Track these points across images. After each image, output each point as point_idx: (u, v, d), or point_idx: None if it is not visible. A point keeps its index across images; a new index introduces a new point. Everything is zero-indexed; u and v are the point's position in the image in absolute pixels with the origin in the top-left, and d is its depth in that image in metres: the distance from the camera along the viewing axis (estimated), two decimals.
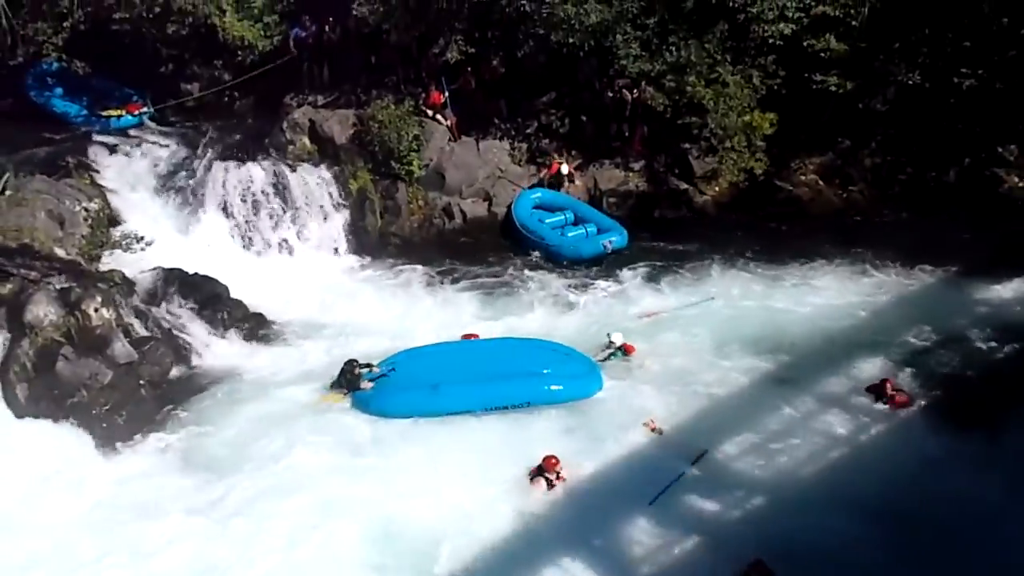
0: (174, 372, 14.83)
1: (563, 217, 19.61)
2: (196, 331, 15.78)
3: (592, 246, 18.59)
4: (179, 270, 16.62)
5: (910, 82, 18.64)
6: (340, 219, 19.32)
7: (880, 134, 19.99)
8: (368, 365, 14.28)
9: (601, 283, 17.54)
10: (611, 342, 14.76)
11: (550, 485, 11.76)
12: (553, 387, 13.75)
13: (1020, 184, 19.15)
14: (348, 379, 14.05)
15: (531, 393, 13.66)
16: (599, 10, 18.42)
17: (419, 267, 18.48)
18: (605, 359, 14.62)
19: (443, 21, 19.44)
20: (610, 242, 18.55)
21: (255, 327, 16.25)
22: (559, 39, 18.64)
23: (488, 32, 19.85)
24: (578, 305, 16.79)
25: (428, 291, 17.66)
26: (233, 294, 16.67)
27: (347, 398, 13.99)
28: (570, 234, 19.06)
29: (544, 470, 11.82)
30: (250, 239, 18.71)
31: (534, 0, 18.66)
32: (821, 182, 20.20)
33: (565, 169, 20.11)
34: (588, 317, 16.37)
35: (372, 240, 19.43)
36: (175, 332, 15.58)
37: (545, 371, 14.03)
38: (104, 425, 13.23)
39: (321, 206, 19.24)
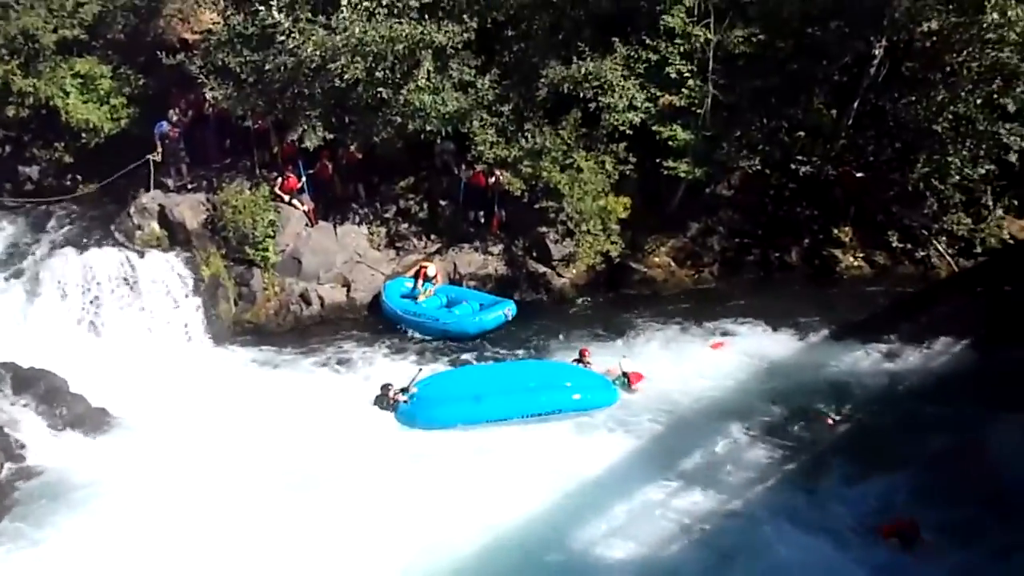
0: (4, 473, 13.82)
1: (438, 300, 19.32)
2: (30, 429, 14.81)
3: (494, 318, 18.58)
4: (12, 364, 15.67)
5: (752, 170, 19.63)
6: (191, 306, 18.51)
7: (727, 217, 20.93)
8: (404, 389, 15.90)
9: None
10: (620, 369, 16.22)
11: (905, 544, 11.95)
12: (576, 396, 15.57)
13: (855, 263, 20.43)
14: (385, 401, 15.72)
15: (560, 402, 15.50)
16: (456, 98, 18.71)
17: (275, 354, 17.97)
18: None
19: (299, 107, 19.26)
20: (509, 310, 18.71)
21: (97, 422, 15.37)
22: (417, 126, 18.79)
23: (346, 117, 19.78)
24: None
25: (284, 379, 17.11)
26: (74, 387, 15.75)
27: None
28: (457, 312, 18.84)
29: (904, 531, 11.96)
30: (94, 328, 17.75)
31: (391, 87, 18.76)
32: (673, 264, 20.84)
33: (432, 271, 19.61)
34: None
35: (226, 327, 18.73)
36: (6, 430, 14.56)
37: (567, 383, 15.82)
38: None
39: (171, 293, 18.45)
